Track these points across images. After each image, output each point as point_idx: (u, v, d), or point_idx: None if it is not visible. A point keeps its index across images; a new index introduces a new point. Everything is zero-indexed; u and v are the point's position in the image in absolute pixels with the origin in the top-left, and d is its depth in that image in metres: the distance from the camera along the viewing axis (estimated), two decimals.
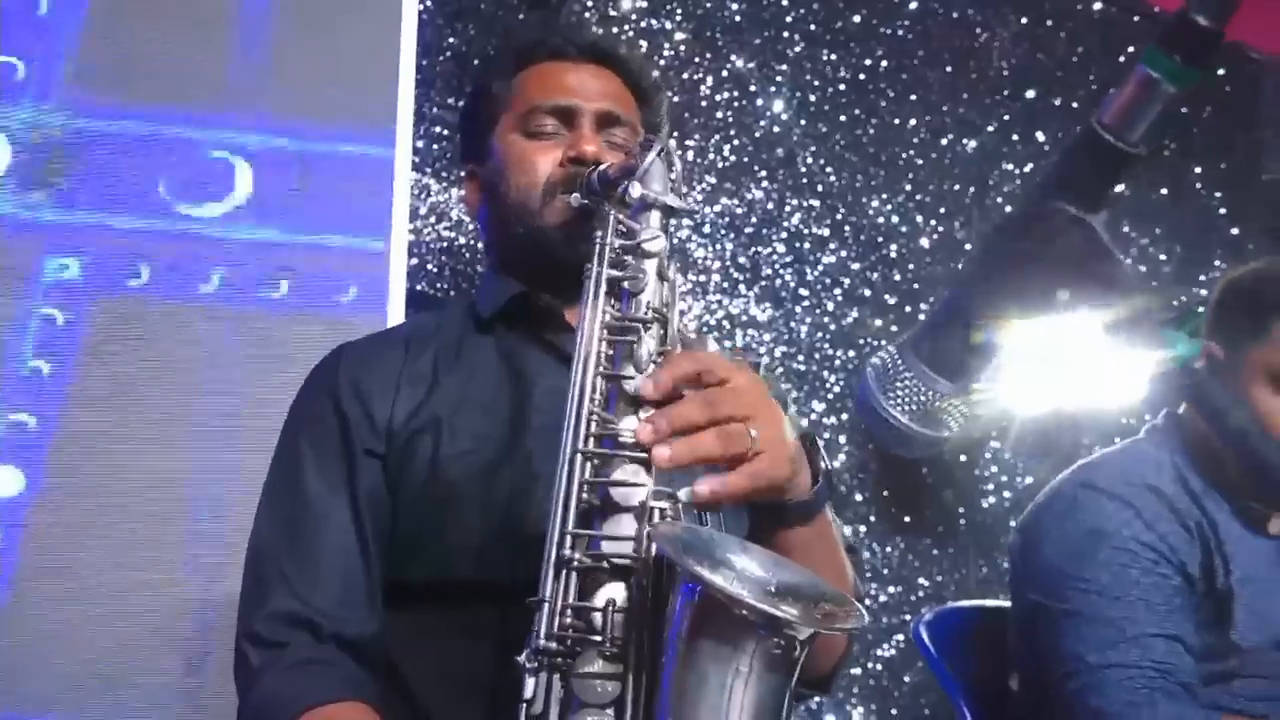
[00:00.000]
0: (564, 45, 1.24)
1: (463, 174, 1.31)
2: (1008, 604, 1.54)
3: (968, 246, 3.41)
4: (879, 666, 2.89)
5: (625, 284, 1.00)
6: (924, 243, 3.30)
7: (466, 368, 1.14)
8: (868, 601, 2.93)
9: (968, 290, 0.70)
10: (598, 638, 0.83)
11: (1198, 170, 3.92)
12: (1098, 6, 3.70)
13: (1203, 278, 3.83)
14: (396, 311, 2.02)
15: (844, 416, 2.99)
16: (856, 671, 2.85)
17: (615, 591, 0.85)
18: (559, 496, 0.91)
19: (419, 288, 2.30)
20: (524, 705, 0.84)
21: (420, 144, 2.38)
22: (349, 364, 1.16)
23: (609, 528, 0.89)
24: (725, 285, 2.93)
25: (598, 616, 0.84)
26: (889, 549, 2.95)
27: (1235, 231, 3.93)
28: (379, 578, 1.06)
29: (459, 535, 1.04)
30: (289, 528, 1.06)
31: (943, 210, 3.39)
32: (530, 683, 0.84)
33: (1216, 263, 3.90)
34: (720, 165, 3.02)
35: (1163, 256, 3.75)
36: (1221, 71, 4.07)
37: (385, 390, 1.11)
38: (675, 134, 2.96)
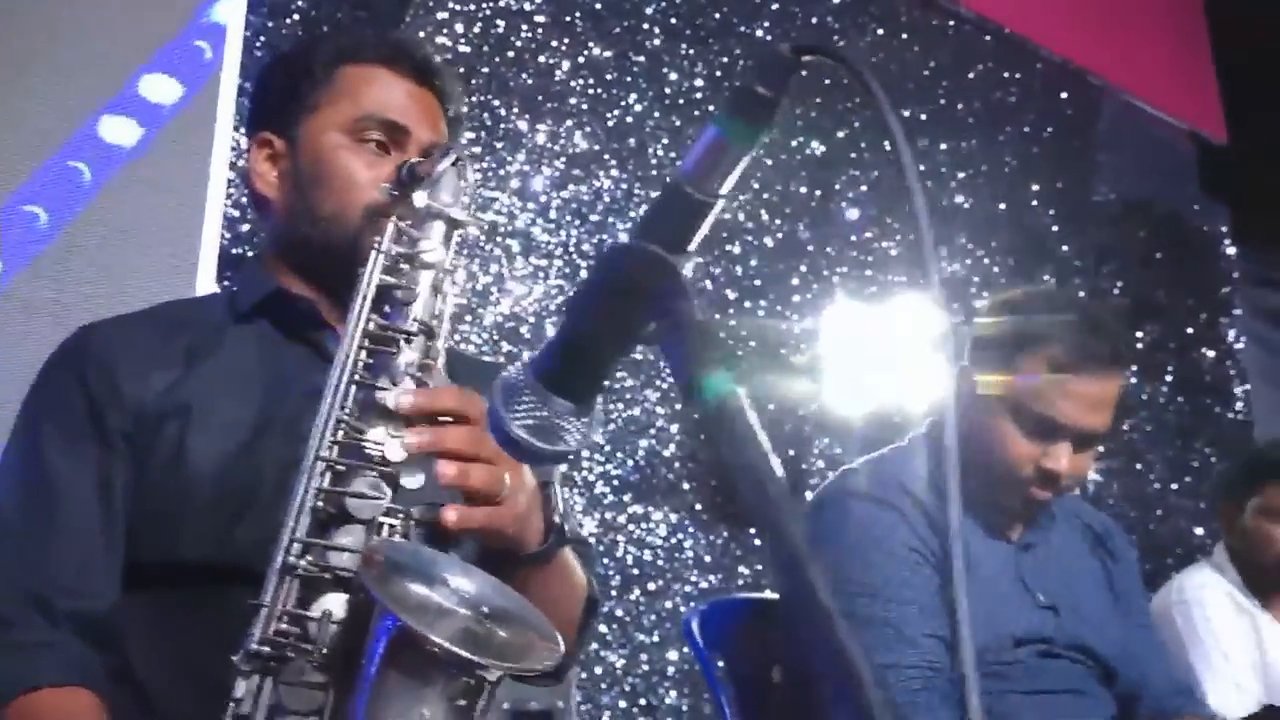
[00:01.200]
0: (397, 55, 1.21)
1: (251, 136, 1.25)
2: (777, 596, 1.58)
3: (810, 248, 3.51)
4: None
5: (397, 293, 1.01)
6: (768, 241, 3.38)
7: (222, 357, 1.13)
8: (688, 588, 3.02)
9: (578, 315, 0.74)
10: (309, 647, 0.85)
11: (1034, 187, 4.11)
12: (951, 24, 3.83)
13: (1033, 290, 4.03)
14: (207, 276, 1.98)
15: (676, 406, 3.06)
16: (673, 656, 2.93)
17: (334, 602, 0.87)
18: (295, 502, 0.92)
19: (248, 252, 2.25)
20: (232, 705, 0.85)
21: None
22: (98, 343, 1.13)
23: (339, 538, 0.91)
24: (567, 271, 2.95)
25: (313, 625, 0.86)
26: (712, 537, 3.03)
27: (1065, 249, 4.14)
28: (119, 558, 1.06)
29: (195, 523, 1.04)
30: (27, 503, 1.04)
31: (788, 211, 3.47)
32: (241, 684, 0.86)
33: (1046, 277, 4.10)
34: (571, 151, 3.02)
35: (996, 269, 3.92)
36: (1065, 95, 4.27)
37: (135, 371, 1.10)
38: (526, 117, 2.96)
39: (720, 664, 1.72)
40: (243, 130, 2.04)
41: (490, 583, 0.84)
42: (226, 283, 2.02)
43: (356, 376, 0.97)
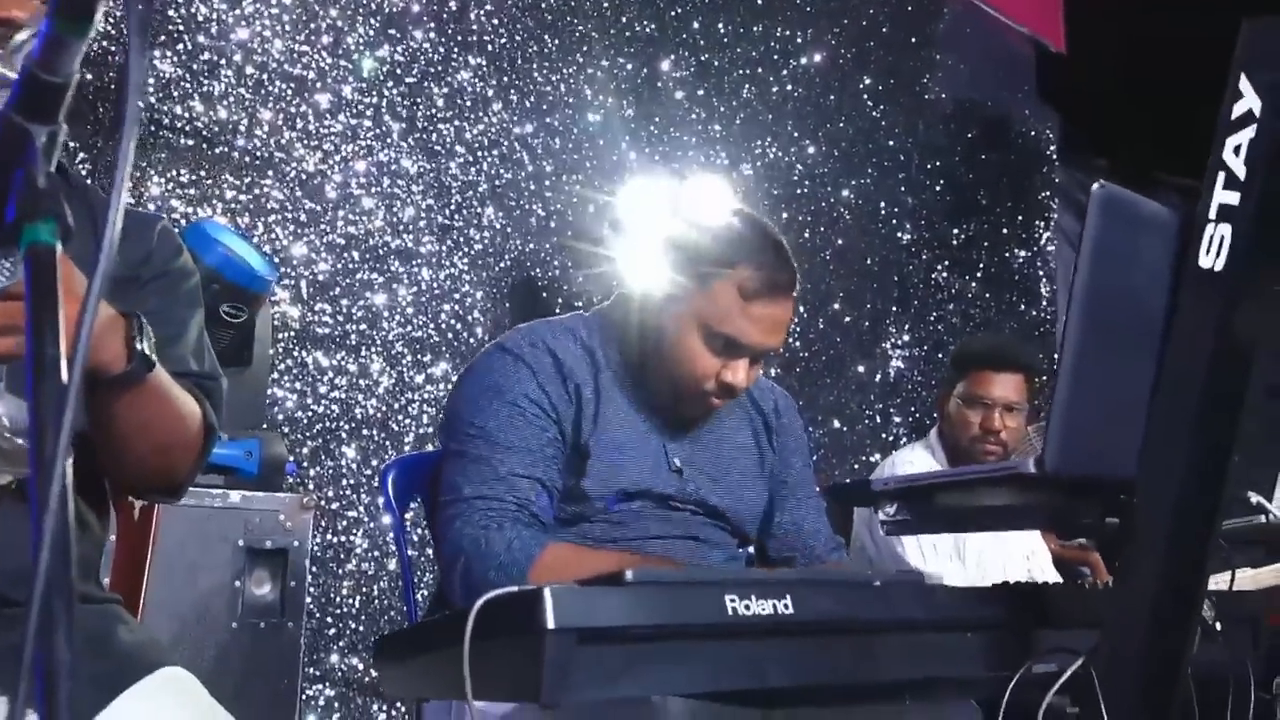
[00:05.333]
0: None
1: None
2: None
3: (634, 125, 3.57)
4: None
5: None
6: (591, 117, 3.43)
7: None
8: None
9: None
10: None
11: (866, 81, 4.22)
12: None
13: (854, 182, 4.18)
14: None
15: (484, 274, 3.14)
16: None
17: None
18: None
19: None
20: None
21: None
22: None
23: None
24: (377, 132, 2.96)
25: None
26: None
27: (891, 143, 4.29)
28: None
29: None
30: None
31: (612, 87, 3.52)
32: None
33: (869, 170, 4.25)
34: (387, 10, 3.00)
35: (820, 159, 4.05)
36: None
37: None
38: None
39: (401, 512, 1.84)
40: None
41: (17, 404, 0.93)
42: None
43: None
